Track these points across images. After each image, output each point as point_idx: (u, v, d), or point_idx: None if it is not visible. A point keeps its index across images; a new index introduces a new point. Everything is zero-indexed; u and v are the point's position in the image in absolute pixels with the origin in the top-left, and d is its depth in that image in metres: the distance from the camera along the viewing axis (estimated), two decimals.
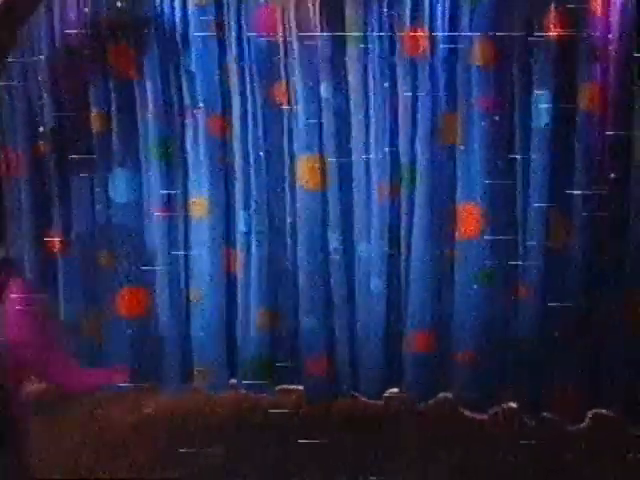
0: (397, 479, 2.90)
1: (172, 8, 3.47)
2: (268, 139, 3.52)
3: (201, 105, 3.52)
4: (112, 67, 3.51)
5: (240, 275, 3.63)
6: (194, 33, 3.46)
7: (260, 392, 3.62)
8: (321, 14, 3.35)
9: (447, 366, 3.49)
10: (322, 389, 3.56)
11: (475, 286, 3.38)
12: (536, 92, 3.19)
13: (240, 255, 3.61)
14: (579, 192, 3.18)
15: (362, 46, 3.36)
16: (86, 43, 3.50)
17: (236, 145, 3.54)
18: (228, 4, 3.43)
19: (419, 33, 3.29)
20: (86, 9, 3.48)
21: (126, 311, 3.64)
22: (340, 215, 3.49)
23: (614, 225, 3.20)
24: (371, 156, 3.45)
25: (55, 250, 3.66)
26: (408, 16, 3.30)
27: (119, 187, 3.60)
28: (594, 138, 3.16)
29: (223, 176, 3.60)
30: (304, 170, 3.48)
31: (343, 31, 3.36)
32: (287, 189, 3.55)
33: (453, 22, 3.27)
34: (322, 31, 3.36)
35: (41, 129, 3.60)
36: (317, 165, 3.47)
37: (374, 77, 3.39)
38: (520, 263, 3.33)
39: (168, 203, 3.59)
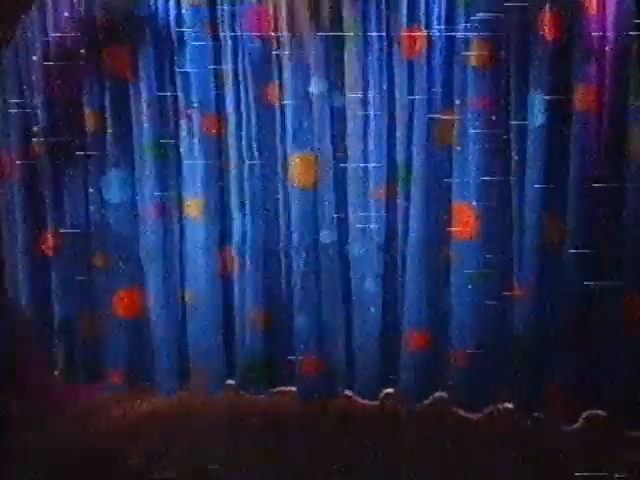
0: (393, 479, 2.91)
1: (166, 8, 3.44)
2: (263, 139, 3.51)
3: (195, 105, 3.50)
4: (106, 67, 3.48)
5: (236, 275, 3.62)
6: (188, 32, 3.43)
7: (257, 393, 3.63)
8: (315, 13, 3.33)
9: (442, 366, 3.49)
10: (316, 389, 3.57)
11: (470, 286, 3.37)
12: (532, 92, 3.18)
13: (235, 255, 3.61)
14: (575, 192, 3.17)
15: (358, 46, 3.34)
16: (79, 43, 3.47)
17: (231, 145, 3.53)
18: (222, 3, 3.41)
19: (415, 33, 3.28)
20: (80, 9, 3.46)
21: (121, 312, 3.64)
22: (335, 215, 3.48)
23: (610, 225, 3.20)
24: (367, 156, 3.43)
25: (49, 251, 3.65)
26: (404, 16, 3.28)
27: (113, 188, 3.58)
28: (590, 138, 3.15)
29: (218, 176, 3.58)
30: (299, 170, 3.47)
31: (338, 31, 3.34)
32: (282, 189, 3.54)
33: (449, 22, 3.25)
34: (316, 30, 3.34)
35: (35, 129, 3.57)
36: (312, 165, 3.46)
37: (370, 77, 3.37)
38: (515, 263, 3.33)
39: (163, 203, 3.57)
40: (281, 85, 3.45)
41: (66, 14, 3.47)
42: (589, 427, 3.24)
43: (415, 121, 3.35)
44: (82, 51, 3.47)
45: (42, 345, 3.41)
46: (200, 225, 3.58)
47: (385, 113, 3.39)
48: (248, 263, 3.57)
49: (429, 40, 3.29)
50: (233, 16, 3.41)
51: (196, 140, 3.53)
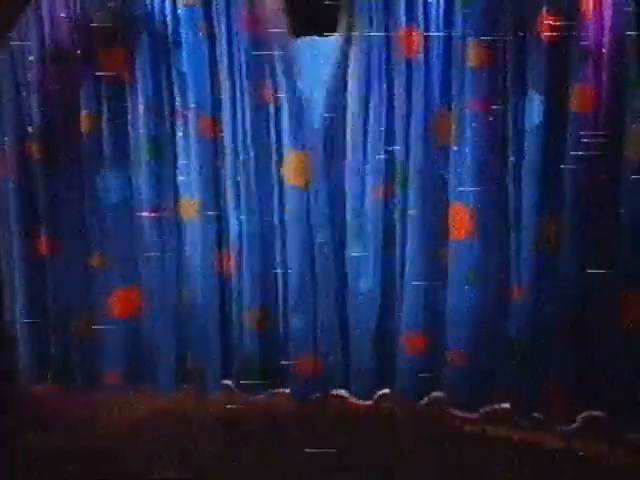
0: (389, 479, 2.91)
1: (162, 8, 3.44)
2: (258, 139, 3.51)
3: (192, 105, 3.50)
4: (102, 67, 3.48)
5: (232, 275, 3.62)
6: (183, 33, 3.44)
7: (254, 393, 3.62)
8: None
9: (439, 366, 3.48)
10: (311, 389, 3.57)
11: (467, 286, 3.37)
12: (529, 93, 3.18)
13: (232, 255, 3.60)
14: (571, 193, 3.17)
15: (356, 45, 3.34)
16: (75, 43, 3.47)
17: (227, 145, 3.53)
18: (217, 3, 3.41)
19: (413, 33, 3.28)
20: (76, 9, 3.46)
21: (118, 312, 3.64)
22: (332, 214, 3.49)
23: (607, 225, 3.19)
24: (364, 155, 3.44)
25: (45, 251, 3.64)
26: (402, 16, 3.28)
27: (109, 188, 3.57)
28: (587, 139, 3.14)
29: (214, 176, 3.58)
30: (296, 169, 3.48)
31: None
32: (278, 188, 3.54)
33: (447, 23, 3.26)
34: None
35: (30, 129, 3.57)
36: (309, 165, 3.47)
37: (368, 76, 3.37)
38: (512, 264, 3.32)
39: (158, 204, 3.57)
40: (276, 85, 3.45)
41: (62, 14, 3.46)
42: (587, 428, 3.23)
43: (413, 121, 3.35)
44: (78, 52, 3.47)
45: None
46: (196, 225, 3.58)
47: (383, 113, 3.39)
48: (245, 263, 3.57)
49: (427, 40, 3.29)
50: (228, 16, 3.41)
51: (192, 140, 3.53)
